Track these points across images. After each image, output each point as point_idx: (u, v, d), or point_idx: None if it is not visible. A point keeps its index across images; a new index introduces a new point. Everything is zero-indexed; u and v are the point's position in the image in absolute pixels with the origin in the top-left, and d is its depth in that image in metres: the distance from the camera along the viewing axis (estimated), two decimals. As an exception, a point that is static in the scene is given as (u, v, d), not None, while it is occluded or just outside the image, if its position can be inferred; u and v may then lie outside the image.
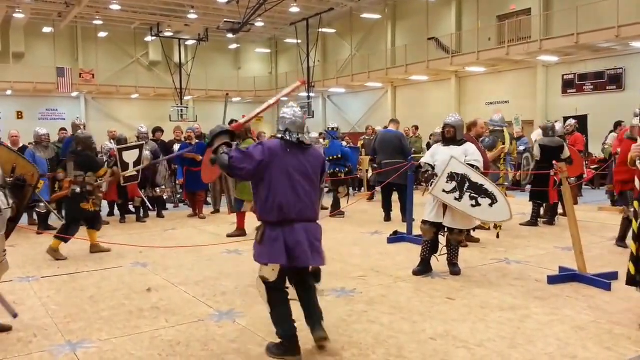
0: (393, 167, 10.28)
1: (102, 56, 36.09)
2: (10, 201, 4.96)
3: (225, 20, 28.87)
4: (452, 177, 6.46)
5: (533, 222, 10.18)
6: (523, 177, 10.45)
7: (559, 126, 11.78)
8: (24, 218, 10.49)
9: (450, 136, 6.86)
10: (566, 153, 9.89)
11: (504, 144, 9.67)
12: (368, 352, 4.38)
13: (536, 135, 11.71)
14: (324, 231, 4.43)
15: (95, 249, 8.31)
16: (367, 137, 16.73)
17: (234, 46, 40.01)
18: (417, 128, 18.46)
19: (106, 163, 11.16)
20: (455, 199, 6.44)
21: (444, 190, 6.49)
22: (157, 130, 13.16)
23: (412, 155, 10.60)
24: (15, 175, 5.14)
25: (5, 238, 5.09)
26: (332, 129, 12.54)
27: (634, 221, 5.01)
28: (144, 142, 11.46)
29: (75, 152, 8.30)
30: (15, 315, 4.99)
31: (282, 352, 4.24)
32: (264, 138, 15.03)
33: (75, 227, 8.09)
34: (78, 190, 7.97)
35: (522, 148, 12.50)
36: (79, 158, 8.18)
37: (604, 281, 6.06)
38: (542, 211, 10.48)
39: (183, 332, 4.84)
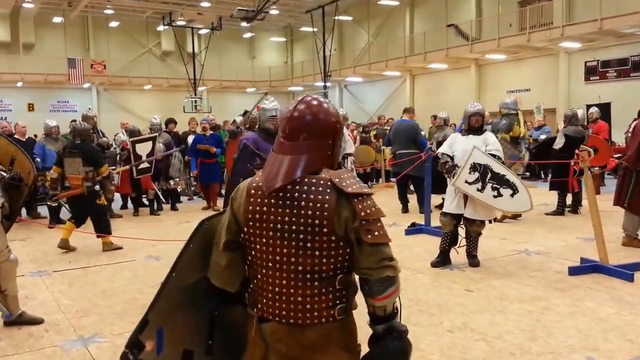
0: (408, 158, 10.18)
1: (113, 46, 35.74)
2: (1, 200, 4.80)
3: (239, 8, 28.66)
4: (474, 167, 6.36)
5: (559, 212, 10.13)
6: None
7: (580, 114, 11.66)
8: (24, 212, 10.52)
9: (479, 125, 6.73)
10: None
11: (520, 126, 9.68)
12: (384, 347, 4.28)
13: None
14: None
15: (63, 243, 7.83)
16: (379, 127, 16.53)
17: (248, 35, 39.58)
18: (435, 118, 18.18)
19: (118, 156, 11.18)
20: (478, 189, 6.34)
21: (466, 181, 6.38)
22: (170, 121, 13.08)
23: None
24: (12, 169, 4.97)
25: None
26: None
27: None
28: (156, 134, 11.41)
29: (77, 146, 7.78)
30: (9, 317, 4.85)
31: None
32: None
33: (107, 218, 8.12)
34: (97, 187, 7.70)
35: (543, 137, 12.36)
36: (85, 153, 7.70)
37: (626, 272, 5.96)
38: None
39: (196, 327, 4.75)
